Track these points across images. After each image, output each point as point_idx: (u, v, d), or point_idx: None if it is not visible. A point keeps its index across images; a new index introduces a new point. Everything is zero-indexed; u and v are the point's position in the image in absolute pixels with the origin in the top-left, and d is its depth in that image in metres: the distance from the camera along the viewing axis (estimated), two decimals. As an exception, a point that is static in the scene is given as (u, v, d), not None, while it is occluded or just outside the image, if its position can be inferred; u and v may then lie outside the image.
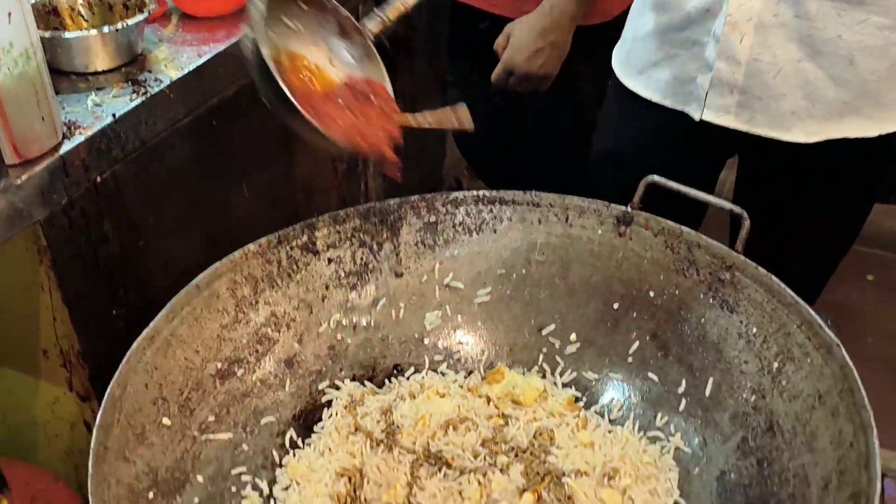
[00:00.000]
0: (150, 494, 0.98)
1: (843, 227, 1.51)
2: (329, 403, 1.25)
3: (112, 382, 1.01)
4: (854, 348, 1.03)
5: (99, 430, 0.96)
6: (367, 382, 1.29)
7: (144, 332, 1.08)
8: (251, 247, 1.23)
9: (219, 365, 1.16)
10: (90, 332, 1.45)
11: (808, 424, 1.02)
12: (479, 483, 1.13)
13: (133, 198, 1.42)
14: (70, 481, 1.49)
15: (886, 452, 1.21)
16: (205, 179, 1.59)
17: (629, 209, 1.28)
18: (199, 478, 1.06)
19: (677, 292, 1.24)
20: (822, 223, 1.48)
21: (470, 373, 1.32)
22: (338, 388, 1.27)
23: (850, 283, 2.39)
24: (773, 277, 1.13)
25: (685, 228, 1.24)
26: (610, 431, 1.21)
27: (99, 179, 1.34)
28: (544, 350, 1.31)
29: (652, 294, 1.26)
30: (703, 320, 1.20)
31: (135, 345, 1.06)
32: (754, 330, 1.14)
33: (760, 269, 1.15)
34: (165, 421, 1.06)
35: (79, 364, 1.49)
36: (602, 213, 1.30)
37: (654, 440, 1.19)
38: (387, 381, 1.30)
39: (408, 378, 1.30)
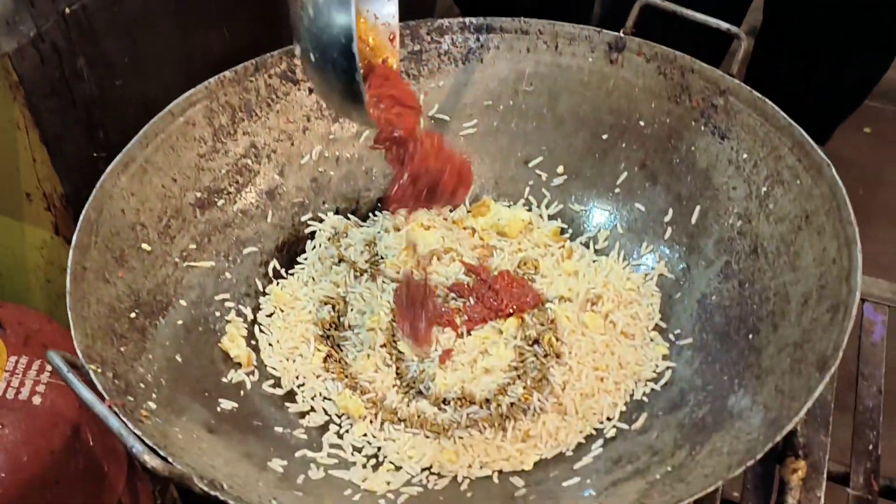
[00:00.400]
0: (133, 314, 0.98)
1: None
2: (312, 235, 1.24)
3: (86, 205, 1.00)
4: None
5: (75, 251, 0.95)
6: (350, 216, 1.28)
7: (118, 158, 1.06)
8: (227, 74, 1.18)
9: (198, 194, 1.15)
10: (72, 174, 1.42)
11: (792, 245, 1.01)
12: (464, 305, 1.13)
13: (106, 34, 1.35)
14: (65, 325, 1.51)
15: (868, 279, 1.22)
16: (183, 17, 1.52)
17: (622, 34, 1.23)
18: (183, 302, 1.07)
19: (668, 120, 1.20)
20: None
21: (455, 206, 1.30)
22: (321, 220, 1.25)
23: (847, 135, 2.33)
24: (768, 101, 1.10)
25: (679, 53, 1.19)
26: (594, 261, 1.20)
27: (68, 11, 1.27)
28: (531, 182, 1.29)
29: (642, 123, 1.22)
30: (693, 148, 1.18)
31: (108, 169, 1.04)
32: (745, 155, 1.12)
33: (755, 92, 1.11)
34: (145, 246, 1.06)
35: (63, 207, 1.47)
36: (593, 40, 1.24)
37: (638, 268, 1.18)
38: (371, 214, 1.29)
39: (392, 211, 1.29)
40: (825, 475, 1.00)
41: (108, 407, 0.75)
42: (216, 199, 1.17)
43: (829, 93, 1.69)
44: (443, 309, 1.12)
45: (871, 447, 1.04)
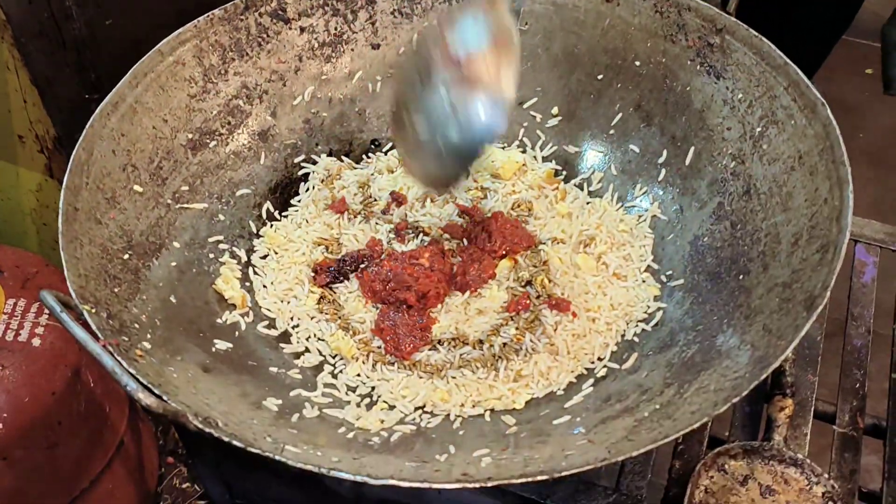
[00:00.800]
0: (126, 256, 0.99)
1: None
2: (306, 177, 1.24)
3: (77, 146, 0.99)
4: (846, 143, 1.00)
5: (67, 192, 0.95)
6: (344, 157, 1.27)
7: (107, 98, 1.05)
8: (217, 12, 1.16)
9: (189, 135, 1.14)
10: (64, 116, 1.41)
11: (784, 186, 1.01)
12: (458, 246, 1.13)
13: (93, -29, 1.33)
14: (62, 267, 1.51)
15: (860, 220, 1.22)
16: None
17: (618, -29, 1.20)
18: (176, 244, 1.07)
19: (664, 60, 1.19)
20: None
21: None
22: (314, 162, 1.25)
23: (848, 77, 2.31)
24: (764, 39, 1.08)
25: (676, -10, 1.17)
26: (588, 203, 1.20)
27: (54, -52, 1.25)
28: (525, 124, 1.28)
29: (637, 63, 1.21)
30: (688, 88, 1.16)
31: (98, 110, 1.03)
32: (740, 95, 1.11)
33: (751, 30, 1.10)
34: (137, 188, 1.05)
35: (56, 150, 1.47)
36: (589, -22, 1.22)
37: (631, 209, 1.18)
38: (364, 156, 1.28)
39: (386, 153, 1.28)
40: (812, 413, 1.02)
41: (102, 346, 0.75)
42: (208, 141, 1.16)
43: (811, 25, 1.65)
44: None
45: (857, 385, 1.05)
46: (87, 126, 1.01)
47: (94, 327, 0.81)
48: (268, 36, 1.22)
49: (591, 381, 1.00)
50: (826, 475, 0.93)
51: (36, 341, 1.29)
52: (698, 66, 1.16)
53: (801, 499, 0.91)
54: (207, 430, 0.75)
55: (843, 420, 1.03)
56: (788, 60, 1.05)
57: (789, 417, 1.00)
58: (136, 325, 0.90)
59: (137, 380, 0.74)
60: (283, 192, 1.22)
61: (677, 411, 0.81)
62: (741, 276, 0.98)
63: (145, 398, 0.69)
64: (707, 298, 1.01)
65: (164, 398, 0.75)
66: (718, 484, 0.93)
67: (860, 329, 1.10)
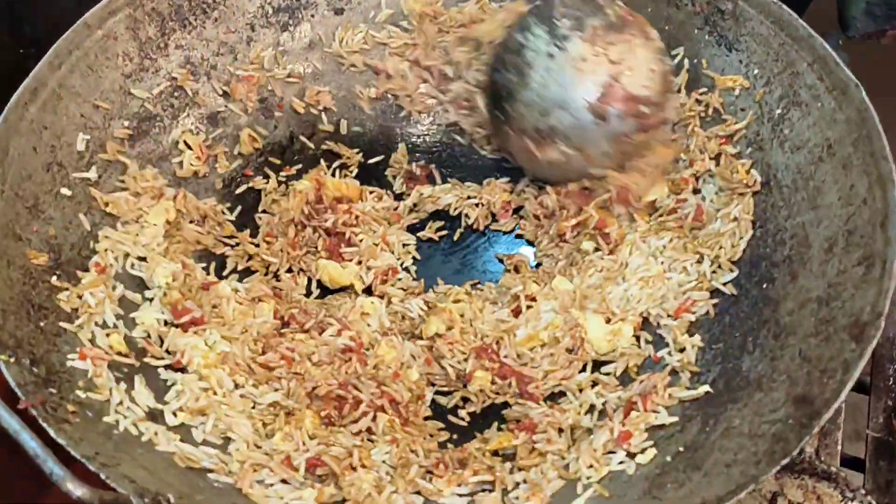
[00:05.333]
0: (54, 278, 0.84)
1: None
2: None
3: (-12, 147, 0.83)
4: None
5: (-23, 205, 0.80)
6: (308, 140, 1.12)
7: (24, 84, 0.89)
8: (152, -25, 0.99)
9: (126, 123, 0.98)
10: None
11: (811, 179, 0.89)
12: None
13: None
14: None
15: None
16: None
17: (615, -74, 1.06)
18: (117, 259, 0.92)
19: (667, 27, 1.05)
20: None
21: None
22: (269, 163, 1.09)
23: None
24: (784, 6, 0.95)
25: (680, -51, 1.03)
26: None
27: None
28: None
29: (637, 31, 1.07)
30: (695, 60, 1.03)
31: (13, 100, 0.87)
32: (756, 71, 0.98)
33: (769, -6, 0.96)
34: (65, 191, 0.90)
35: None
36: (585, -67, 1.07)
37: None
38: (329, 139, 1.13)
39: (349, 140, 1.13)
40: (842, 419, 0.92)
41: (20, 414, 0.61)
42: (148, 128, 1.00)
43: None
44: None
45: (891, 381, 0.95)
46: (-1, 121, 0.85)
47: (12, 383, 0.67)
48: (214, 2, 1.05)
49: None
50: (862, 490, 0.83)
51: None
52: (707, 35, 1.03)
53: (834, 519, 0.82)
54: (158, 507, 0.62)
55: (876, 423, 0.93)
56: (813, 32, 0.92)
57: (819, 426, 0.90)
58: (67, 370, 0.75)
59: (68, 456, 0.61)
60: (236, 187, 1.06)
61: (707, 459, 0.71)
62: (764, 285, 0.87)
63: (75, 489, 0.56)
64: (723, 308, 0.89)
65: (102, 475, 0.62)
66: (744, 502, 0.83)
67: (893, 316, 0.98)
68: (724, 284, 0.90)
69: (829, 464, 0.86)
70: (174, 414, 0.79)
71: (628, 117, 0.94)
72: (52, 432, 0.63)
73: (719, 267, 0.92)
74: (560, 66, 0.94)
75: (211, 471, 0.74)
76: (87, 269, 0.87)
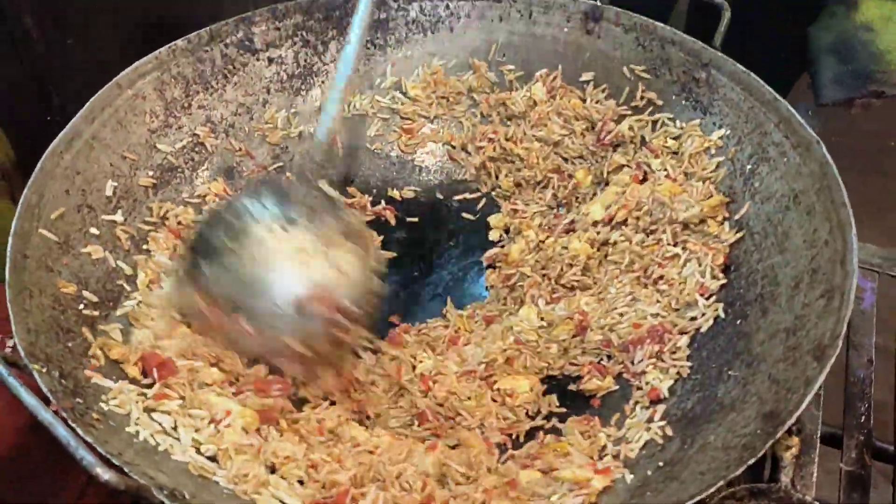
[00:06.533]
0: (81, 306, 0.91)
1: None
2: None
3: (26, 189, 0.92)
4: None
5: (15, 238, 0.87)
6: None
7: (61, 135, 0.97)
8: (179, 43, 1.10)
9: (150, 173, 1.06)
10: (24, 139, 1.32)
11: (780, 225, 0.97)
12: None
13: (53, -11, 1.26)
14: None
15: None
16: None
17: (598, 3, 1.17)
18: (136, 293, 0.99)
19: (646, 94, 1.15)
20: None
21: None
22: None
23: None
24: (752, 74, 1.05)
25: (659, 24, 1.13)
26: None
27: (11, -34, 1.18)
28: (505, 159, 1.23)
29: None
30: (676, 123, 1.13)
31: (50, 148, 0.96)
32: (728, 132, 1.07)
33: (738, 65, 1.06)
34: (93, 230, 0.97)
35: (17, 174, 1.38)
36: (569, 9, 1.18)
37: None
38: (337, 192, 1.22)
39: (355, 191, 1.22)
40: (817, 450, 0.97)
41: (54, 412, 0.67)
42: (170, 178, 1.09)
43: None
44: None
45: (862, 419, 1.01)
46: (37, 167, 0.93)
47: (44, 389, 0.73)
48: (234, 67, 1.15)
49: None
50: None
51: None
52: (683, 101, 1.12)
53: (809, 548, 0.86)
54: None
55: (849, 457, 0.98)
56: (778, 96, 1.02)
57: (796, 457, 0.95)
58: (92, 385, 0.82)
59: (96, 449, 0.66)
60: (251, 232, 1.14)
61: (684, 471, 0.76)
62: (738, 321, 0.94)
63: (104, 473, 0.62)
64: (702, 344, 0.96)
65: (126, 470, 0.68)
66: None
67: (862, 359, 1.05)
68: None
69: (805, 493, 0.90)
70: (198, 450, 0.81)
71: (327, 323, 0.89)
72: (80, 431, 0.69)
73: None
74: (278, 248, 0.90)
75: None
76: (110, 301, 0.94)
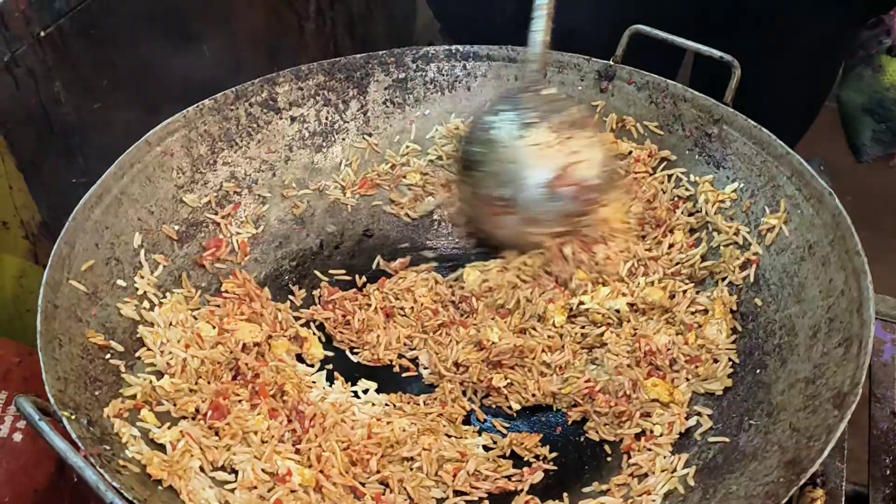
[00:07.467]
0: (108, 355, 0.92)
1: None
2: (294, 269, 1.19)
3: (59, 240, 0.94)
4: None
5: (46, 288, 0.89)
6: (336, 249, 1.22)
7: (91, 190, 1.00)
8: (206, 102, 1.14)
9: (176, 227, 1.09)
10: (50, 201, 1.36)
11: (796, 276, 0.98)
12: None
13: (82, 56, 1.30)
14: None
15: (875, 296, 1.18)
16: (161, 38, 1.47)
17: (611, 63, 1.21)
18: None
19: (662, 150, 1.18)
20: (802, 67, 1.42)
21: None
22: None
23: (829, 142, 2.28)
24: (763, 129, 1.08)
25: (671, 82, 1.17)
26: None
27: (42, 34, 1.23)
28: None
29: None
30: (689, 178, 1.15)
31: (81, 202, 0.99)
32: (742, 185, 1.09)
33: (750, 120, 1.09)
34: (120, 282, 1.00)
35: (42, 235, 1.41)
36: (583, 68, 1.22)
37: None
38: (356, 247, 1.24)
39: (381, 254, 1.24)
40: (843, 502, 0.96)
41: (84, 457, 0.68)
42: (195, 232, 1.11)
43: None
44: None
45: (887, 472, 1.00)
46: (69, 219, 0.96)
47: (73, 435, 0.74)
48: (258, 125, 1.19)
49: (605, 484, 0.93)
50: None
51: (17, 436, 1.20)
52: (697, 156, 1.15)
53: None
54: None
55: (876, 510, 0.97)
56: (790, 150, 1.04)
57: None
58: (118, 432, 0.83)
59: (123, 495, 0.67)
60: (272, 285, 1.16)
61: (708, 520, 0.76)
62: (758, 371, 0.94)
63: (132, 517, 0.62)
64: (723, 395, 0.96)
65: (152, 516, 0.68)
66: None
67: (885, 411, 1.05)
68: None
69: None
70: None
71: (576, 200, 1.04)
72: (107, 477, 0.69)
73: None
74: (523, 147, 1.04)
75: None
76: (135, 351, 0.96)
